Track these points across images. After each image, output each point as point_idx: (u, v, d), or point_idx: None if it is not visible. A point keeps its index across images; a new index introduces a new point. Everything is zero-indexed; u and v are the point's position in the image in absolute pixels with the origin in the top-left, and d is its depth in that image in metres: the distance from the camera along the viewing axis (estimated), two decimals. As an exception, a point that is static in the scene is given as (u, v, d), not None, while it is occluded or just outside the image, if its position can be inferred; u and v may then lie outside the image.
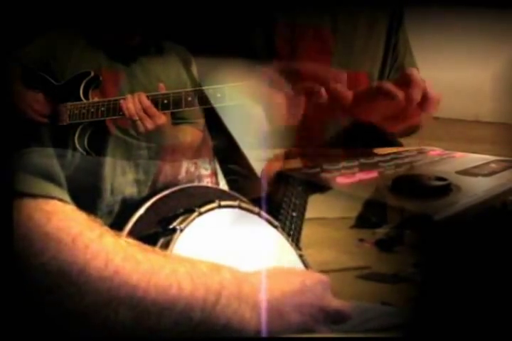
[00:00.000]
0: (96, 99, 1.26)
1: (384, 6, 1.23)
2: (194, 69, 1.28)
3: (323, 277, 0.65)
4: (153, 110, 1.16)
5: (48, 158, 0.63)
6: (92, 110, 1.24)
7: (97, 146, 1.26)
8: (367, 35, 1.21)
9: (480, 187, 0.52)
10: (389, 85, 0.85)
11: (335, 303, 0.63)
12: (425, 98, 0.85)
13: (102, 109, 1.22)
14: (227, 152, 1.18)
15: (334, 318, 0.63)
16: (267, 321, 0.56)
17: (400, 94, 0.83)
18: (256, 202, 0.90)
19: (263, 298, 0.57)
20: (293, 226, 0.93)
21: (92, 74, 1.27)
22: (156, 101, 1.17)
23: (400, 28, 1.25)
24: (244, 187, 1.14)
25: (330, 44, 1.18)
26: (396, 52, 1.25)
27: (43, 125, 1.27)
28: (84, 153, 1.24)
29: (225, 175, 1.25)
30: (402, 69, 1.24)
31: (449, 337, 0.55)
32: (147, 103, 1.16)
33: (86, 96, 1.26)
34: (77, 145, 1.24)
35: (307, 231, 1.01)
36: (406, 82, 0.84)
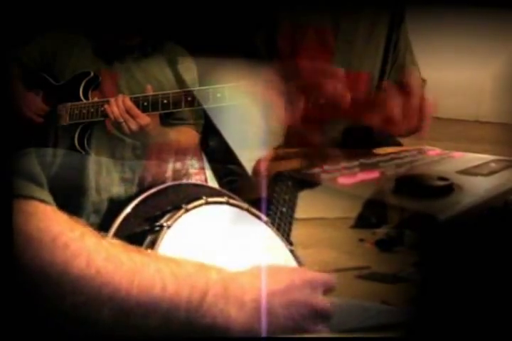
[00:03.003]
0: (96, 99, 1.26)
1: (385, 5, 1.23)
2: (194, 70, 1.28)
3: (314, 275, 0.65)
4: (135, 111, 1.18)
5: (28, 158, 0.63)
6: (92, 110, 1.24)
7: (97, 146, 1.26)
8: (368, 34, 1.21)
9: (481, 186, 0.52)
10: (390, 91, 0.85)
11: (322, 302, 0.63)
12: (423, 104, 0.85)
13: (102, 109, 1.22)
14: (224, 153, 1.18)
15: (320, 317, 0.62)
16: (255, 320, 0.56)
17: (399, 99, 0.84)
18: (254, 201, 0.90)
19: (250, 297, 0.56)
20: (283, 221, 0.93)
21: (92, 74, 1.26)
22: (137, 103, 1.18)
23: (400, 28, 1.25)
24: (242, 187, 1.14)
25: (331, 43, 1.18)
26: (397, 51, 1.25)
27: (43, 125, 1.27)
28: (84, 152, 1.24)
29: (225, 176, 1.25)
30: (402, 71, 1.24)
31: (449, 337, 0.55)
32: (130, 104, 1.18)
33: (86, 97, 1.26)
34: (77, 145, 1.24)
35: (307, 231, 1.01)
36: (404, 88, 0.85)
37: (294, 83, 1.07)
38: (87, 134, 1.25)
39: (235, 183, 1.21)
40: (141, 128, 1.18)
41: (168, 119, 1.29)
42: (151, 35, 1.30)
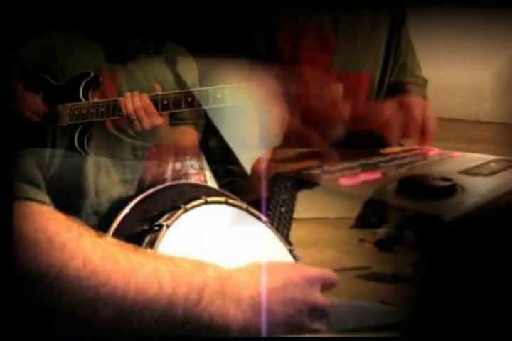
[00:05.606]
0: (95, 100, 1.26)
1: (385, 5, 1.23)
2: (194, 70, 1.28)
3: (312, 270, 0.65)
4: (152, 109, 1.15)
5: (25, 159, 0.63)
6: (92, 110, 1.24)
7: (97, 147, 1.25)
8: (369, 34, 1.21)
9: (483, 187, 0.52)
10: (388, 109, 0.84)
11: (319, 299, 0.62)
12: (425, 123, 0.84)
13: (102, 109, 1.22)
14: (224, 153, 1.18)
15: (318, 314, 0.62)
16: (253, 318, 0.56)
17: (398, 119, 0.83)
18: (253, 201, 0.90)
19: (247, 294, 0.56)
20: (282, 221, 0.93)
21: (92, 74, 1.26)
22: (156, 101, 1.17)
23: (401, 28, 1.25)
24: (242, 187, 1.14)
25: (331, 44, 1.18)
26: (398, 51, 1.25)
27: (43, 126, 1.27)
28: (84, 153, 1.24)
29: (225, 176, 1.25)
30: (404, 71, 1.25)
31: (449, 337, 0.55)
32: (148, 102, 1.15)
33: (86, 97, 1.26)
34: (77, 146, 1.24)
35: (307, 231, 1.01)
36: (405, 107, 0.84)
37: (293, 84, 1.07)
38: (87, 134, 1.25)
39: (235, 183, 1.21)
40: (154, 128, 1.16)
41: (169, 119, 1.28)
42: (152, 35, 1.30)
